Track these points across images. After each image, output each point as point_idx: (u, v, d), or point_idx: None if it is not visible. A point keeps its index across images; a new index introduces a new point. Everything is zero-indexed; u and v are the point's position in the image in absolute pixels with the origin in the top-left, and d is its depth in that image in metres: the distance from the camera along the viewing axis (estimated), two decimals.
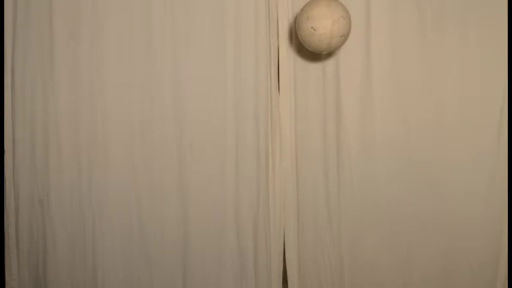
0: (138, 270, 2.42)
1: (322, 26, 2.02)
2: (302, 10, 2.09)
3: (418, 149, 2.39)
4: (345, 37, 2.08)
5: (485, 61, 2.35)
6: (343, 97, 2.41)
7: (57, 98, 2.34)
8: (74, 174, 2.37)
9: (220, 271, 2.42)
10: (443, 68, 2.37)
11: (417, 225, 2.41)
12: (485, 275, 2.40)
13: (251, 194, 2.42)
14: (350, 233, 2.45)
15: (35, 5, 2.30)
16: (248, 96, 2.38)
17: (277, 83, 2.44)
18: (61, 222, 2.38)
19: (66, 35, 2.32)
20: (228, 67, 2.37)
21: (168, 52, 2.34)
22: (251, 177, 2.41)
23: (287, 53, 2.43)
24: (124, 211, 2.40)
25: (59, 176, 2.37)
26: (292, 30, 2.36)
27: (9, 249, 2.41)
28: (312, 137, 2.45)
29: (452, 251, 2.42)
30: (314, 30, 2.03)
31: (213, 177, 2.36)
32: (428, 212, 2.40)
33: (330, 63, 2.41)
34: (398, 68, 2.38)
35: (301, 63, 2.43)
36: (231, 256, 2.42)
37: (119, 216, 2.39)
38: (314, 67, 2.44)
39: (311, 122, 2.45)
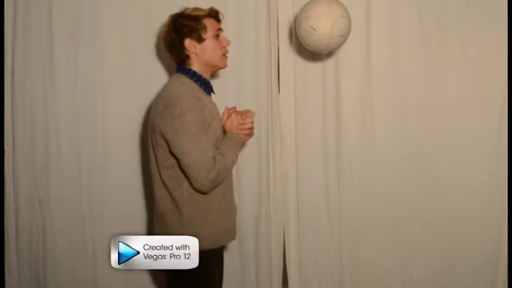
0: (138, 270, 2.42)
1: (321, 26, 2.01)
2: (302, 10, 2.09)
3: (418, 149, 2.39)
4: (344, 37, 2.07)
5: (485, 61, 2.35)
6: (343, 97, 2.41)
7: (57, 98, 2.34)
8: (73, 175, 2.37)
9: None
10: (443, 68, 2.37)
11: (417, 224, 2.41)
12: (485, 273, 2.40)
13: (252, 194, 2.42)
14: (350, 232, 2.44)
15: (35, 5, 2.30)
16: (248, 96, 2.38)
17: (277, 83, 2.44)
18: (61, 222, 2.38)
19: (66, 35, 2.32)
20: (228, 67, 2.36)
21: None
22: (251, 177, 2.41)
23: (287, 53, 2.43)
24: (124, 211, 2.39)
25: (58, 176, 2.37)
26: (292, 30, 2.36)
27: (9, 250, 2.40)
28: (312, 136, 2.45)
29: (453, 249, 2.42)
30: (314, 30, 2.03)
31: None
32: (428, 211, 2.40)
33: (330, 63, 2.41)
34: (398, 68, 2.37)
35: (301, 63, 2.43)
36: (232, 256, 2.42)
37: (119, 216, 2.39)
38: (314, 67, 2.43)
39: (311, 122, 2.45)
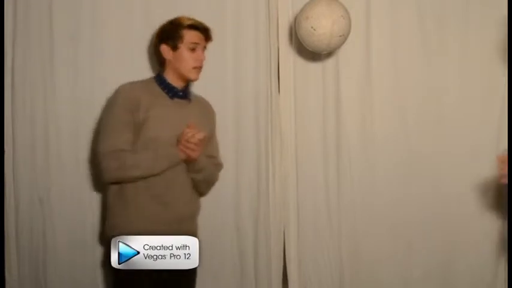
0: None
1: (321, 26, 2.02)
2: (302, 10, 2.09)
3: (418, 149, 2.40)
4: (344, 37, 2.08)
5: (485, 61, 2.35)
6: (343, 97, 2.41)
7: (57, 98, 2.34)
8: (74, 174, 2.37)
9: (220, 271, 2.41)
10: (443, 68, 2.37)
11: (417, 224, 2.41)
12: (485, 273, 2.40)
13: (251, 194, 2.41)
14: (350, 232, 2.44)
15: (35, 5, 2.30)
16: (248, 96, 2.38)
17: (277, 83, 2.44)
18: (61, 221, 2.38)
19: (66, 35, 2.32)
20: (228, 67, 2.37)
21: None
22: (251, 177, 2.41)
23: (287, 53, 2.43)
24: None
25: (59, 175, 2.36)
26: (292, 30, 2.36)
27: (9, 249, 2.40)
28: (312, 137, 2.45)
29: (452, 249, 2.42)
30: (314, 30, 2.03)
31: None
32: (427, 211, 2.41)
33: (330, 63, 2.41)
34: (398, 68, 2.38)
35: (301, 63, 2.43)
36: (231, 256, 2.42)
37: None
38: (314, 67, 2.44)
39: (311, 122, 2.45)
